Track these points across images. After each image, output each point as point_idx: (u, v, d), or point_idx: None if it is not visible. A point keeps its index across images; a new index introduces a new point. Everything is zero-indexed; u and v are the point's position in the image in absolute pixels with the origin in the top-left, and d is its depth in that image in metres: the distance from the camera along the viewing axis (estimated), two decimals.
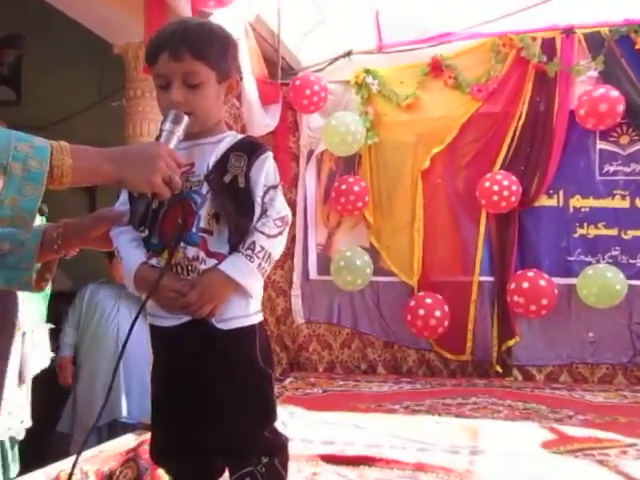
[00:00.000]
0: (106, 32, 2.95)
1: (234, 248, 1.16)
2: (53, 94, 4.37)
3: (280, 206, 1.20)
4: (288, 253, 3.84)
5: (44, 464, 1.98)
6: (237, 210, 1.16)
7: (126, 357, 2.79)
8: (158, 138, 1.15)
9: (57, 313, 3.69)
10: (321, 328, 3.85)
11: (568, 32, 3.45)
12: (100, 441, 2.19)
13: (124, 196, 1.24)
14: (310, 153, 3.89)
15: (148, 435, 2.06)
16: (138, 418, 2.76)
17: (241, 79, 1.31)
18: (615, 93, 3.27)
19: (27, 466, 2.07)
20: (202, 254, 1.16)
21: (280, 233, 1.19)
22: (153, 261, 1.18)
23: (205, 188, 1.17)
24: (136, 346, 2.66)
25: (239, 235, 1.16)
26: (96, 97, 4.22)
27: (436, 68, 3.63)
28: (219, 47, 1.22)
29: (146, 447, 1.91)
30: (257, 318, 1.23)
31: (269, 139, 3.56)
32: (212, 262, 1.16)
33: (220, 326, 1.17)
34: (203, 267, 1.16)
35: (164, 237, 1.18)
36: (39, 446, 3.39)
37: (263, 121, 3.39)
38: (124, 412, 2.80)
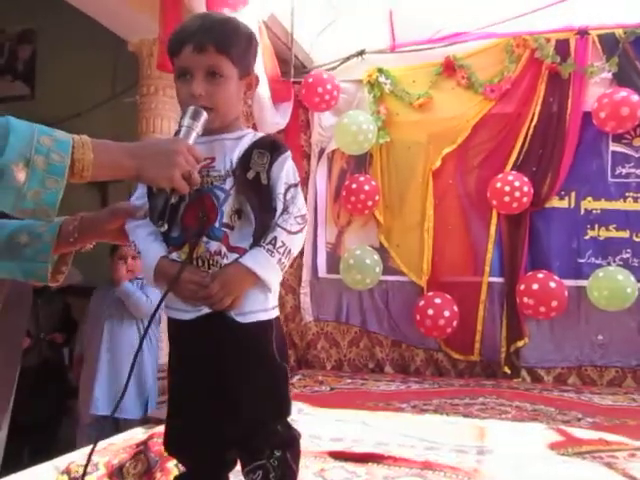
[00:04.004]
0: (121, 29, 2.98)
1: (255, 243, 1.17)
2: (67, 90, 4.40)
3: (301, 204, 1.22)
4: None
5: (53, 455, 2.01)
6: (260, 206, 1.17)
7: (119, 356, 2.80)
8: (177, 134, 1.15)
9: (66, 305, 3.74)
10: (329, 326, 3.86)
11: (582, 33, 3.44)
12: (101, 436, 2.15)
13: (141, 190, 1.25)
14: (321, 151, 3.90)
15: (158, 428, 2.08)
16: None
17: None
18: (635, 97, 3.25)
19: (37, 457, 2.10)
20: (224, 249, 1.17)
21: (300, 230, 1.21)
22: (173, 255, 1.19)
23: (229, 183, 1.18)
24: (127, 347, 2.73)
25: (262, 230, 1.17)
26: (109, 93, 4.26)
27: (449, 68, 3.62)
28: (243, 43, 1.22)
29: (156, 440, 1.94)
30: (274, 313, 1.24)
31: (280, 137, 3.57)
32: (233, 256, 1.17)
33: (239, 319, 1.18)
34: (225, 261, 1.17)
35: (185, 231, 1.18)
36: (48, 438, 3.45)
37: (273, 119, 3.40)
38: (94, 408, 2.82)
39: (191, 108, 1.16)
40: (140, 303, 2.80)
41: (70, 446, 2.53)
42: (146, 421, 2.59)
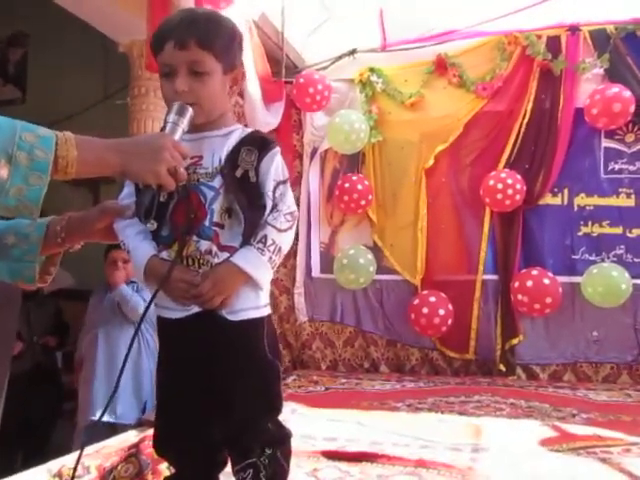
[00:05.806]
0: (111, 30, 2.97)
1: (245, 241, 1.17)
2: (58, 92, 4.39)
3: (290, 201, 1.22)
4: (291, 251, 3.85)
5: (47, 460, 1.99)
6: (249, 204, 1.17)
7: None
8: (162, 129, 1.15)
9: (58, 309, 3.72)
10: (324, 326, 3.85)
11: (573, 30, 3.44)
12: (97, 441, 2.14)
13: (128, 189, 1.24)
14: (314, 151, 3.89)
15: (150, 431, 2.06)
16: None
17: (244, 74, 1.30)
18: (627, 93, 3.26)
19: (31, 462, 2.07)
20: (215, 248, 1.17)
21: (290, 227, 1.21)
22: (163, 254, 1.18)
23: (218, 182, 1.18)
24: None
25: (251, 229, 1.17)
26: (100, 95, 4.24)
27: (441, 66, 3.62)
28: (226, 38, 1.21)
29: (148, 443, 1.92)
30: (266, 311, 1.24)
31: (272, 137, 3.55)
32: (224, 255, 1.17)
33: (230, 317, 1.17)
34: (216, 260, 1.16)
35: (174, 229, 1.18)
36: (42, 442, 3.43)
37: (265, 119, 3.39)
38: (92, 414, 2.79)
39: (176, 104, 1.15)
40: (137, 307, 2.78)
41: (65, 450, 2.51)
42: (140, 424, 2.57)
